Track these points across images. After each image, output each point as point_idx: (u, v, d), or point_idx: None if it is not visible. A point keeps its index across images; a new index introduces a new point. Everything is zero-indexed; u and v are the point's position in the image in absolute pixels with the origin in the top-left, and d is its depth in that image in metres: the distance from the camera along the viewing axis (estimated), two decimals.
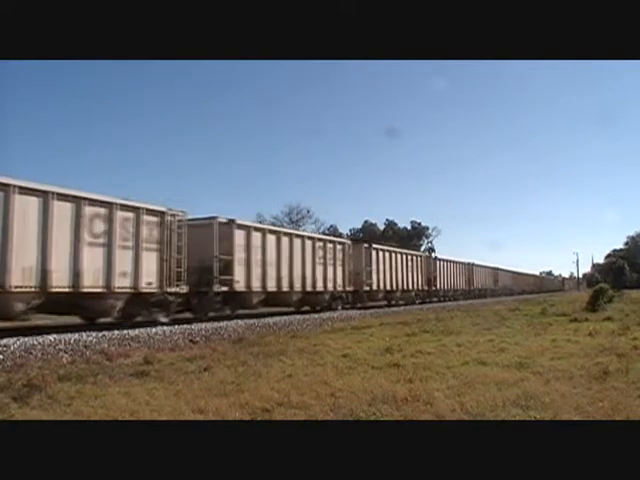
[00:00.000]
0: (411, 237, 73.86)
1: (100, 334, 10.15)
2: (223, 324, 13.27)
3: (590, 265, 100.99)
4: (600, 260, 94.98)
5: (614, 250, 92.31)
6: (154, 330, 11.26)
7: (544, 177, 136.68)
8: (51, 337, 9.36)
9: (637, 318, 15.45)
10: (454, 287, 35.34)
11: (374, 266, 23.12)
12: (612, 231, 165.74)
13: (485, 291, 43.41)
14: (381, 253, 24.29)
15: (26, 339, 9.03)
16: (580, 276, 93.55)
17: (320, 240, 19.71)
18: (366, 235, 62.74)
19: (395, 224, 75.10)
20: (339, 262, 20.20)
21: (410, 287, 27.40)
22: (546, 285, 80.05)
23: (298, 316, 16.75)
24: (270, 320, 14.98)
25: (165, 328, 11.61)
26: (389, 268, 24.79)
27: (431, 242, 76.66)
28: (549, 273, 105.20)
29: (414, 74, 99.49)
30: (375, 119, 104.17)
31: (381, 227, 73.88)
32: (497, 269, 48.33)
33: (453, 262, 35.76)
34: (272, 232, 16.83)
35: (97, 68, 69.57)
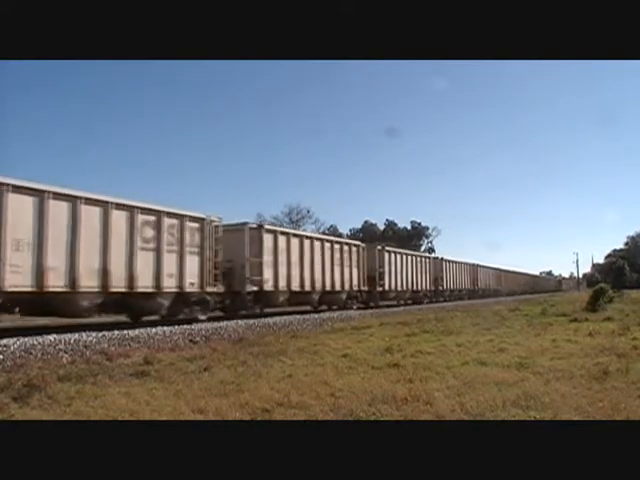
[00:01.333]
0: (411, 237, 73.87)
1: (100, 334, 10.14)
2: (223, 324, 13.25)
3: (590, 265, 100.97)
4: (600, 260, 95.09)
5: (614, 250, 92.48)
6: (154, 330, 11.24)
7: (544, 177, 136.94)
8: (51, 337, 9.36)
9: (637, 318, 15.44)
10: (415, 287, 27.95)
11: (268, 257, 16.22)
12: (612, 231, 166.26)
13: (460, 292, 36.24)
14: (283, 239, 17.05)
15: (26, 339, 9.03)
16: (580, 276, 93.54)
17: (146, 211, 12.15)
18: (366, 235, 62.73)
19: (395, 224, 75.14)
20: (191, 249, 13.28)
21: (340, 287, 20.35)
22: (540, 285, 72.09)
23: (298, 316, 16.62)
24: (270, 320, 14.96)
25: (165, 328, 11.57)
26: (299, 260, 17.66)
27: (431, 242, 76.81)
28: (549, 273, 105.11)
29: (414, 74, 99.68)
30: (375, 119, 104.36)
31: (381, 227, 73.93)
32: (477, 266, 40.13)
33: (410, 255, 28.60)
34: (21, 190, 9.65)
35: (97, 68, 69.63)
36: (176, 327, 11.90)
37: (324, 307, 20.46)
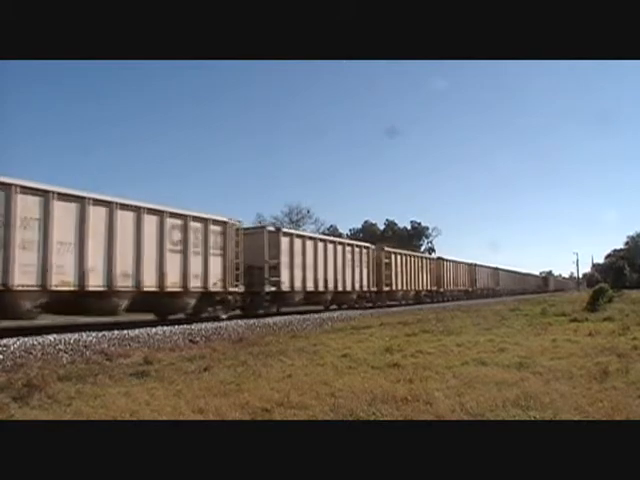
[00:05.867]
0: (411, 237, 73.91)
1: (100, 334, 10.15)
2: (223, 324, 13.26)
3: (590, 265, 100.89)
4: (600, 260, 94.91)
5: (614, 250, 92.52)
6: (154, 330, 11.24)
7: (544, 177, 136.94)
8: (51, 337, 9.36)
9: (637, 318, 15.42)
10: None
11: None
12: (612, 231, 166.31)
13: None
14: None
15: (26, 339, 9.03)
16: (580, 276, 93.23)
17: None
18: (366, 235, 62.75)
19: (395, 224, 75.22)
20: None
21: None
22: (508, 285, 51.17)
23: (298, 316, 16.62)
24: (270, 320, 14.97)
25: (165, 328, 11.57)
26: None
27: (431, 242, 76.87)
28: (549, 273, 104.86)
29: (414, 74, 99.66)
30: (375, 119, 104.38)
31: (381, 227, 73.98)
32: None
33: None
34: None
35: (97, 68, 69.63)
36: (176, 327, 11.92)
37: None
